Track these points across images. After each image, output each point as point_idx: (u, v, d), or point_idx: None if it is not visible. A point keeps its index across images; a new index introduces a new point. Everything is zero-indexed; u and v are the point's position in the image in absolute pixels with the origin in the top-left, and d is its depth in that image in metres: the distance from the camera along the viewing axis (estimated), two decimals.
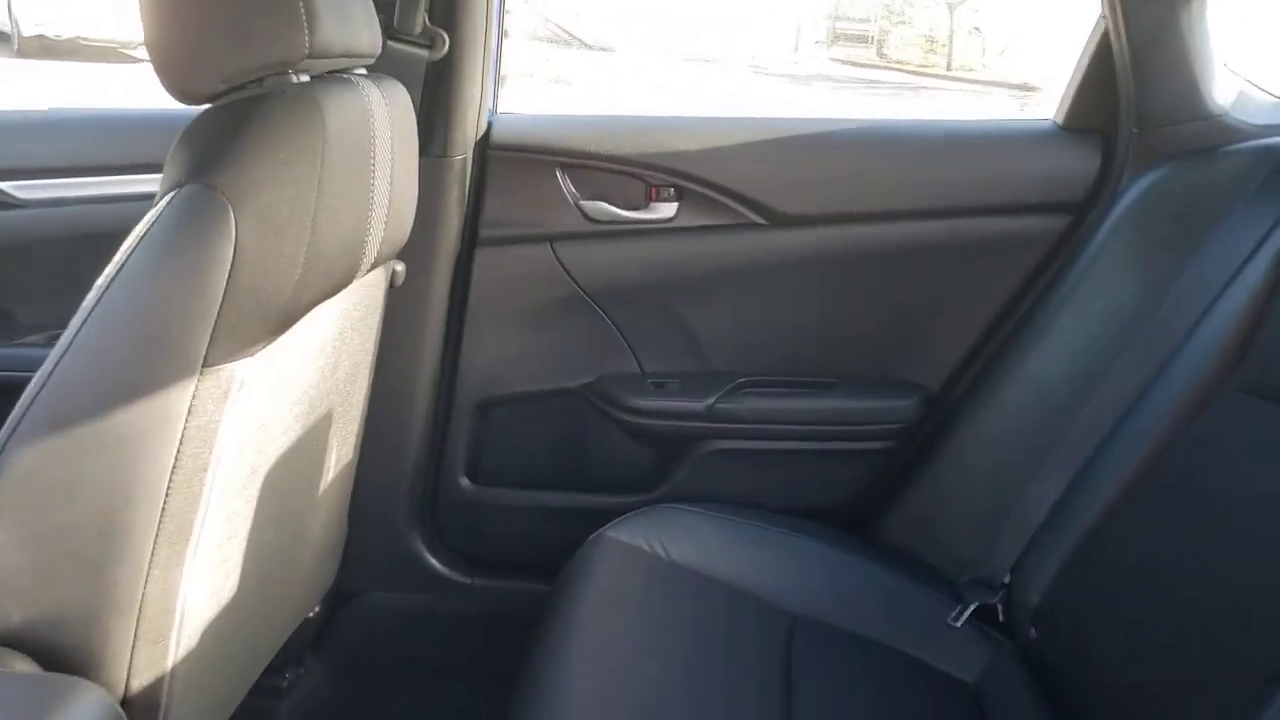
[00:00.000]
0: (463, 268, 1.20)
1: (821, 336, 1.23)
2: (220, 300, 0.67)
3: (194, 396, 0.68)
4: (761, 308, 1.22)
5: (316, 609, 1.17)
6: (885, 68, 8.92)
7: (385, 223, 0.87)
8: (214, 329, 0.67)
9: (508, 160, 1.18)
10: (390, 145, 0.86)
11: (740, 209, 1.17)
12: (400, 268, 1.04)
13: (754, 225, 1.18)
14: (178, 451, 0.68)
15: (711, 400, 1.19)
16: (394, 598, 1.27)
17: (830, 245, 1.19)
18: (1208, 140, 1.09)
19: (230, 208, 0.66)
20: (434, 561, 1.26)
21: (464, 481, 1.26)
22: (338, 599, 1.26)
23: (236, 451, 0.75)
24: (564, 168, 1.18)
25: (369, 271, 0.91)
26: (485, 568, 1.28)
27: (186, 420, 0.68)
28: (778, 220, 1.18)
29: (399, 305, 1.10)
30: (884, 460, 1.23)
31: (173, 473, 0.68)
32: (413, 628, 1.28)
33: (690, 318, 1.22)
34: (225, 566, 0.80)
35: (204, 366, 0.68)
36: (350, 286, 0.89)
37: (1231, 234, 0.97)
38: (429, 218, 1.12)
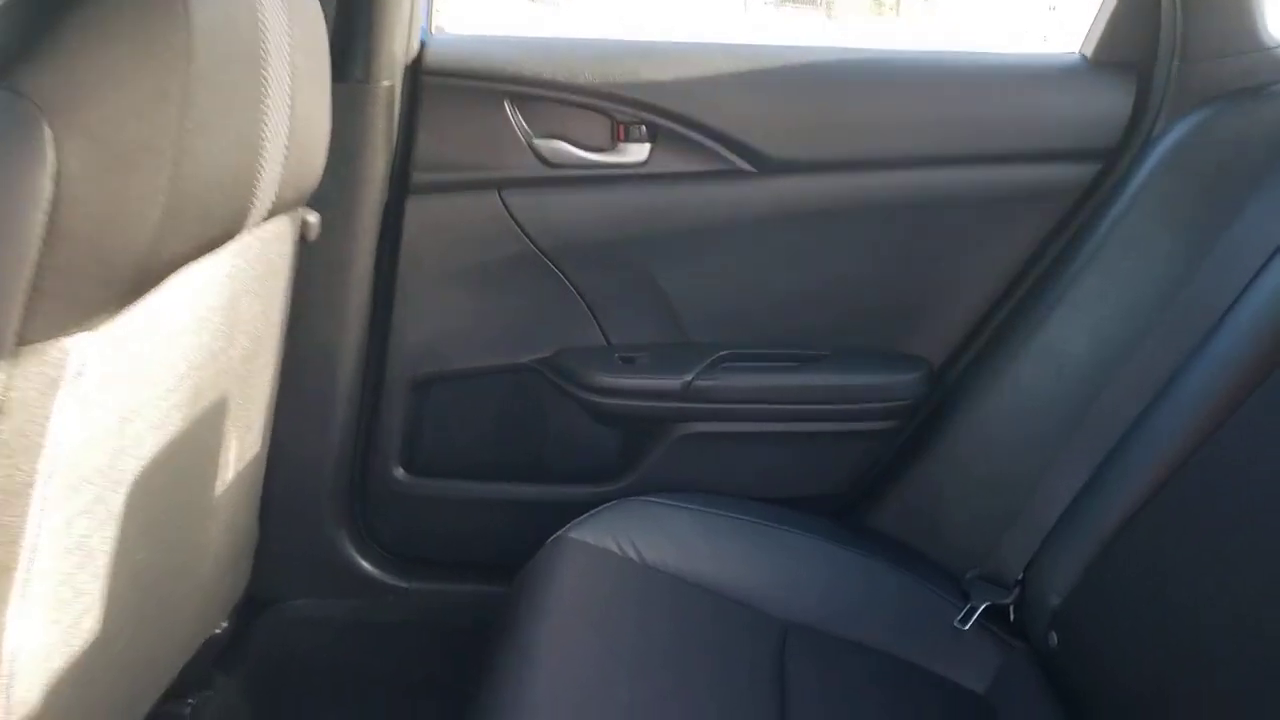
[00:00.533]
0: (392, 219, 1.02)
1: (814, 303, 1.09)
2: (37, 251, 0.48)
3: (5, 387, 0.49)
4: (746, 269, 1.07)
5: (224, 624, 1.00)
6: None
7: (284, 157, 0.69)
8: (30, 292, 0.49)
9: (445, 89, 1.01)
10: (289, 55, 0.67)
11: (724, 153, 1.02)
12: (313, 218, 0.87)
13: (739, 172, 1.03)
14: None
15: (688, 377, 1.04)
16: (318, 605, 1.12)
17: (826, 196, 1.04)
18: (1258, 76, 0.97)
19: (45, 120, 0.47)
20: (364, 563, 1.11)
21: (398, 472, 1.11)
22: (251, 609, 1.10)
23: (80, 458, 0.56)
24: (514, 99, 1.01)
25: (266, 220, 0.73)
26: (424, 570, 1.13)
27: None
28: (767, 167, 1.02)
29: (314, 265, 0.94)
30: (882, 443, 1.10)
31: None
32: (340, 639, 1.13)
33: (664, 281, 1.07)
34: (79, 602, 0.62)
35: (19, 344, 0.49)
36: (243, 241, 0.71)
37: None
38: (348, 157, 0.95)
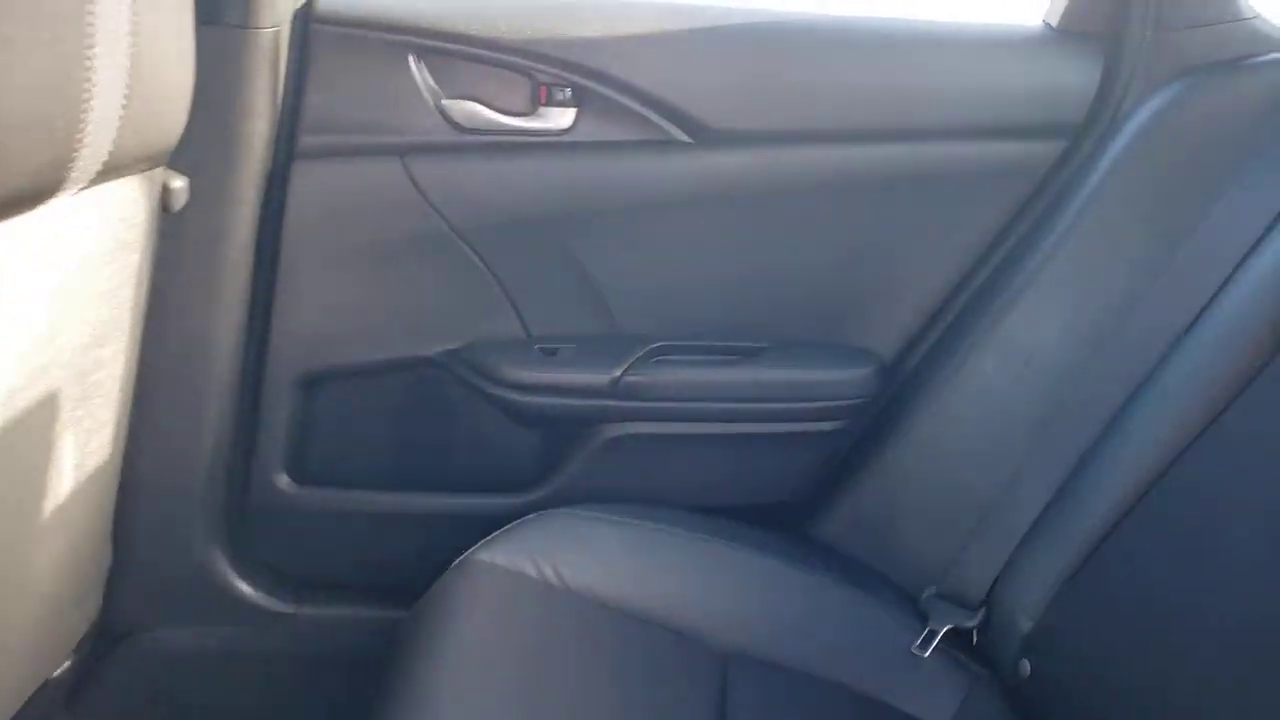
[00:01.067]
0: (276, 188, 0.91)
1: (756, 289, 1.01)
2: None
3: None
4: (682, 251, 0.98)
5: (67, 662, 0.87)
6: None
7: (124, 102, 0.57)
8: None
9: (341, 38, 0.90)
10: None
11: (658, 120, 0.93)
12: (179, 184, 0.76)
13: (675, 143, 0.94)
14: None
15: (617, 371, 0.96)
16: (188, 634, 1.00)
17: (769, 172, 0.97)
18: (1237, 49, 0.93)
19: None
20: (243, 585, 0.99)
21: (283, 480, 0.99)
22: (105, 641, 0.96)
23: None
24: (420, 53, 0.90)
25: (108, 180, 0.61)
26: (313, 592, 1.02)
27: None
28: (705, 137, 0.94)
29: (182, 240, 0.83)
30: (830, 445, 1.03)
31: None
32: (216, 672, 1.01)
33: (590, 264, 0.98)
34: None
35: None
36: (77, 204, 0.59)
37: (1271, 165, 0.82)
38: (223, 114, 0.83)
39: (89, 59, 0.52)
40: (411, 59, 0.90)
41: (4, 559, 0.67)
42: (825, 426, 1.00)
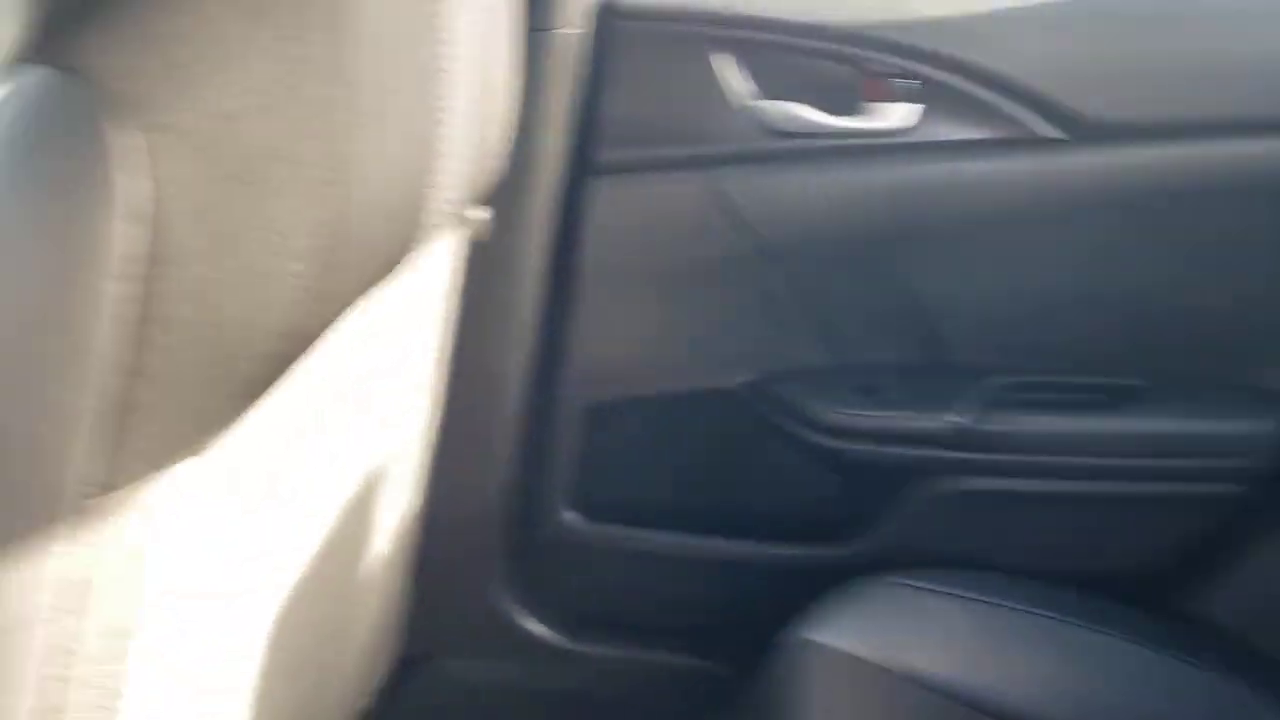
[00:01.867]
0: (571, 206, 0.84)
1: (1131, 314, 0.84)
2: (109, 341, 0.30)
3: (84, 567, 0.32)
4: (1039, 269, 0.84)
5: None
6: None
7: (470, 151, 0.50)
8: (110, 405, 0.31)
9: (642, 36, 0.81)
10: None
11: (1021, 114, 0.78)
12: (485, 214, 0.70)
13: (1042, 141, 0.79)
14: (41, 692, 0.33)
15: (956, 415, 0.82)
16: (472, 666, 0.99)
17: (1163, 172, 0.80)
18: None
19: (128, 118, 0.29)
20: (525, 621, 0.97)
21: (569, 516, 0.95)
22: (399, 667, 0.97)
23: (181, 644, 0.39)
24: (731, 46, 0.80)
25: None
26: (595, 630, 0.98)
27: (44, 624, 0.32)
28: (1082, 132, 0.78)
29: (472, 266, 0.78)
30: (1224, 511, 0.85)
31: None
32: (497, 704, 1.00)
33: (923, 284, 0.85)
34: None
35: (87, 492, 0.32)
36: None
37: None
38: (521, 128, 0.77)
39: (441, 122, 0.45)
40: (723, 55, 0.80)
41: (330, 630, 0.65)
42: (1219, 489, 0.83)
